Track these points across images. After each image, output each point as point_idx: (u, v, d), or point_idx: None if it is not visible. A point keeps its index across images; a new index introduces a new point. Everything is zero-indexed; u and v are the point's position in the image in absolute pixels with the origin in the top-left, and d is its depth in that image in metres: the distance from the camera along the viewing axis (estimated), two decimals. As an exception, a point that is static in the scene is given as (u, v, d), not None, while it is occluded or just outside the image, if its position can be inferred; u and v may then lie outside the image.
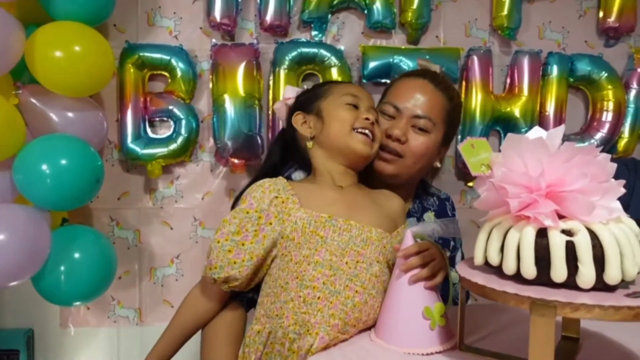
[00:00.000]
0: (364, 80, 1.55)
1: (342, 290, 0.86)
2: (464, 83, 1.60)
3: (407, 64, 1.52)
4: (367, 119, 1.00)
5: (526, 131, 1.55)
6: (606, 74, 1.62)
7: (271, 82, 1.51)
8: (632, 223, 0.66)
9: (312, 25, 1.55)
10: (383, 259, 0.91)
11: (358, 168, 1.04)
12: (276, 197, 0.90)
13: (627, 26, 1.65)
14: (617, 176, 1.51)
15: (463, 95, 1.60)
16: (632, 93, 1.66)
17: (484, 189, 0.70)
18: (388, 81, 1.55)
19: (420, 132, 1.08)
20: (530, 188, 0.65)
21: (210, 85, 1.50)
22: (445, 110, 1.11)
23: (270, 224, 0.89)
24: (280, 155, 1.12)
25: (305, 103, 1.09)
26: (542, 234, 0.63)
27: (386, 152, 1.07)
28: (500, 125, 1.62)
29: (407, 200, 1.15)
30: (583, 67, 1.62)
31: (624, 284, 0.63)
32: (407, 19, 1.55)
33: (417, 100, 1.09)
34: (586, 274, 0.60)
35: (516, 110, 1.60)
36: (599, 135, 1.63)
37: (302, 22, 1.55)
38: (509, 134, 0.69)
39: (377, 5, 1.54)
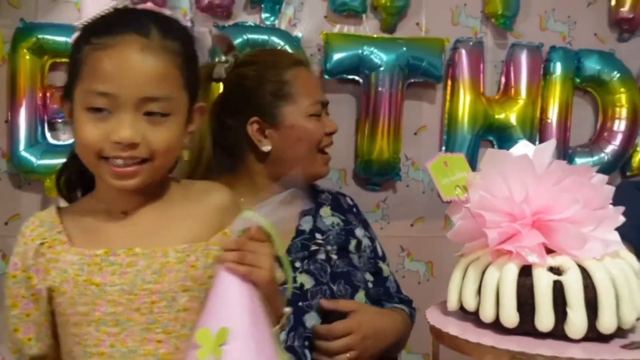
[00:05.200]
0: (326, 76, 1.58)
1: (139, 346, 0.80)
2: (449, 82, 1.65)
3: (379, 56, 1.55)
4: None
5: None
6: (619, 75, 1.71)
7: (207, 76, 1.52)
8: (632, 258, 0.70)
9: (263, 6, 1.57)
10: (194, 282, 0.84)
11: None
12: (42, 243, 0.84)
13: (644, 17, 1.75)
14: (630, 199, 1.60)
15: (448, 97, 1.66)
16: (650, 98, 1.75)
17: (458, 216, 0.73)
18: (356, 77, 1.61)
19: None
20: (513, 216, 0.68)
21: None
22: None
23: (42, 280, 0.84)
24: None
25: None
26: (526, 272, 0.66)
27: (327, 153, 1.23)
28: (494, 135, 1.67)
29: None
30: (592, 66, 1.70)
31: (620, 332, 0.66)
32: (380, 1, 1.60)
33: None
34: (576, 322, 0.63)
35: (512, 116, 1.66)
36: (610, 148, 1.71)
37: (250, 1, 1.57)
38: (489, 149, 0.72)
39: (344, -16, 1.58)
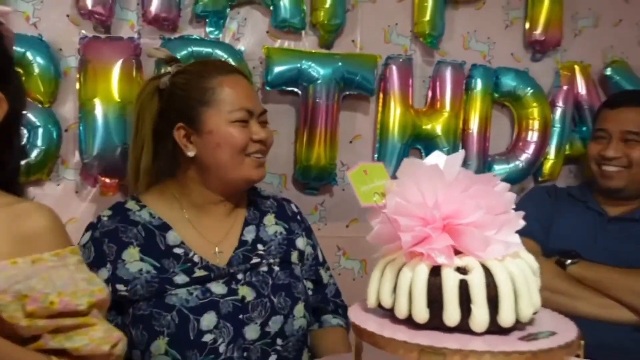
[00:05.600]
0: (268, 88, 1.57)
1: None
2: (381, 95, 1.68)
3: (317, 70, 1.56)
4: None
5: (448, 150, 1.70)
6: (532, 91, 1.77)
7: (156, 86, 1.49)
8: (531, 258, 0.72)
9: (207, 20, 1.55)
10: None
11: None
12: None
13: (554, 40, 1.82)
14: (537, 203, 1.65)
15: (380, 109, 1.68)
16: (558, 112, 1.82)
17: (377, 221, 0.74)
18: (296, 89, 1.60)
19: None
20: (426, 220, 0.70)
21: (77, 87, 1.44)
22: None
23: None
24: None
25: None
26: (436, 272, 0.67)
27: (261, 158, 1.19)
28: (421, 144, 1.70)
29: (234, 210, 1.23)
30: (508, 82, 1.76)
31: (519, 325, 0.68)
32: (318, 19, 1.60)
33: (256, 98, 1.25)
34: (479, 317, 0.65)
35: (438, 127, 1.70)
36: (524, 156, 1.77)
37: (196, 16, 1.55)
38: (405, 159, 0.73)
39: (284, 2, 1.57)
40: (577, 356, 0.67)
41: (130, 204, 1.18)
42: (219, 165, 1.14)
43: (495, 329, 0.66)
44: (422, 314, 0.67)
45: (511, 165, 1.78)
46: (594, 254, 1.49)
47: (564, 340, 0.64)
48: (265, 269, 1.17)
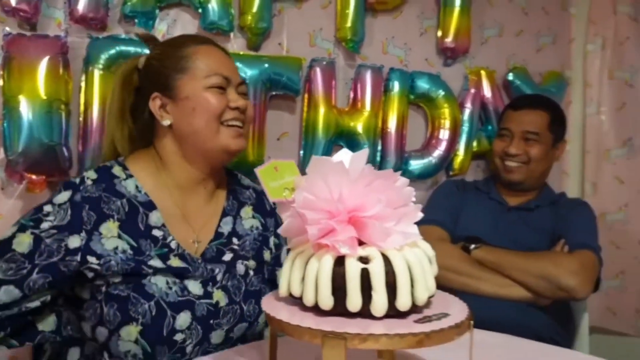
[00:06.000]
0: (197, 87, 1.53)
1: None
2: (306, 95, 1.67)
3: (244, 71, 1.53)
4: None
5: (368, 147, 1.72)
6: (443, 93, 1.82)
7: (83, 84, 1.41)
8: (428, 247, 0.74)
9: (136, 20, 1.48)
10: None
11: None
12: None
13: (463, 47, 1.88)
14: (447, 195, 1.70)
15: (305, 108, 1.67)
16: (467, 112, 1.89)
17: (287, 214, 0.73)
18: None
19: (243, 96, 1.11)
20: (332, 214, 0.69)
21: (1, 84, 1.34)
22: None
23: None
24: None
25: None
26: (340, 262, 0.67)
27: (237, 126, 1.07)
28: (344, 141, 1.71)
29: (214, 196, 1.13)
30: (422, 85, 1.80)
31: (417, 309, 0.69)
32: (246, 22, 1.57)
33: (233, 65, 1.12)
34: (379, 302, 0.66)
35: (359, 125, 1.71)
36: (436, 153, 1.82)
37: (124, 16, 1.48)
38: (314, 156, 0.72)
39: (213, 5, 1.52)
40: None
41: (117, 170, 1.06)
42: (196, 132, 1.04)
43: (394, 313, 0.67)
44: (326, 301, 0.66)
45: (425, 160, 1.82)
46: (496, 239, 1.55)
47: (454, 321, 0.66)
48: (242, 272, 1.08)
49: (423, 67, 1.86)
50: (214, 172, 1.11)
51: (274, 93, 1.62)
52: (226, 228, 1.11)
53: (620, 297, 2.02)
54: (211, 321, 1.01)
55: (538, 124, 1.63)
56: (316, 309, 0.68)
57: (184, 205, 1.08)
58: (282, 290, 0.73)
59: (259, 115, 1.57)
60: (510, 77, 1.98)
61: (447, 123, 1.82)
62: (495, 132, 1.90)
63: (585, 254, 1.44)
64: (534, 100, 1.71)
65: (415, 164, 1.81)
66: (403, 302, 0.66)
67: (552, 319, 1.49)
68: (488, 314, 1.41)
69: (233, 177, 1.20)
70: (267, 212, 1.18)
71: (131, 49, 1.43)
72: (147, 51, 1.44)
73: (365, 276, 0.66)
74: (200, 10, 1.54)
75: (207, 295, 1.02)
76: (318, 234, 0.68)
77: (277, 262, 1.17)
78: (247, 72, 1.53)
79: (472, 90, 1.90)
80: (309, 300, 0.68)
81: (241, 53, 1.59)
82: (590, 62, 2.11)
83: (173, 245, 1.03)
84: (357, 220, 0.70)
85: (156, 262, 1.00)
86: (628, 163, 2.00)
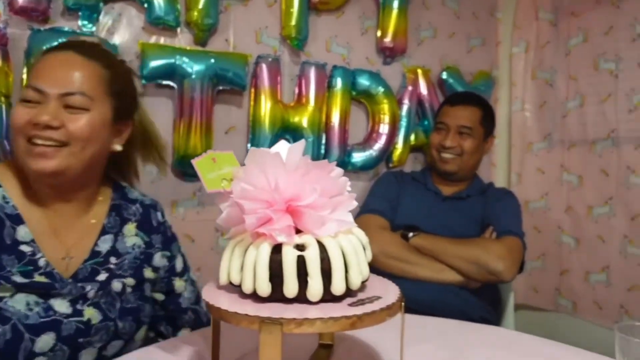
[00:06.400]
0: (144, 81, 1.47)
1: None
2: (253, 90, 1.64)
3: (191, 66, 1.48)
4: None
5: (313, 140, 1.71)
6: (383, 90, 1.83)
7: (24, 76, 1.32)
8: (361, 234, 0.73)
9: (80, 13, 1.40)
10: None
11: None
12: None
13: (400, 47, 1.90)
14: (386, 186, 1.71)
15: (252, 103, 1.64)
16: (405, 108, 1.91)
17: (226, 205, 0.70)
18: (170, 83, 1.51)
19: (78, 112, 0.91)
20: (269, 203, 0.67)
21: (-64, 75, 1.24)
22: (105, 81, 0.96)
23: None
24: None
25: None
26: (277, 250, 0.66)
27: (41, 145, 0.89)
28: (290, 134, 1.69)
29: (91, 212, 1.00)
30: (364, 82, 1.81)
31: (352, 292, 0.69)
32: (192, 18, 1.52)
33: (63, 76, 0.91)
34: (314, 287, 0.64)
35: (304, 119, 1.69)
36: (377, 146, 1.83)
37: (67, 8, 1.39)
38: (252, 148, 0.70)
39: (159, 0, 1.47)
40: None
41: None
42: (14, 149, 0.91)
43: (329, 297, 0.66)
44: (264, 288, 0.65)
45: (367, 153, 1.83)
46: (432, 226, 1.58)
47: (385, 303, 0.66)
48: (118, 289, 0.96)
49: (364, 65, 1.86)
50: (63, 189, 0.95)
51: (220, 88, 1.58)
52: (104, 246, 0.98)
53: (541, 276, 2.11)
54: (80, 340, 0.90)
55: (472, 119, 1.67)
56: (255, 296, 0.66)
57: (54, 220, 0.95)
58: (222, 278, 0.70)
59: (205, 110, 1.52)
60: (444, 75, 2.02)
61: (386, 118, 1.84)
62: (431, 126, 1.93)
63: (511, 240, 1.49)
64: (469, 98, 1.74)
65: (358, 157, 1.81)
66: (337, 287, 0.65)
67: (482, 299, 1.53)
68: (425, 297, 1.45)
69: (119, 190, 1.06)
70: (153, 227, 1.05)
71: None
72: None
73: (301, 263, 0.65)
74: (146, 5, 1.48)
75: (77, 313, 0.91)
76: (256, 223, 0.66)
77: (172, 272, 1.07)
78: (194, 67, 1.49)
79: (410, 88, 1.93)
80: (247, 288, 0.66)
81: (188, 48, 1.54)
82: (515, 63, 2.18)
83: (41, 262, 0.91)
84: (294, 209, 0.68)
85: (17, 278, 0.87)
86: (548, 156, 2.09)
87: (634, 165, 1.78)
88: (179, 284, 1.09)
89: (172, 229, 1.11)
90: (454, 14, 2.09)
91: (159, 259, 1.05)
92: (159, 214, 1.09)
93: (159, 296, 1.07)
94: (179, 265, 1.10)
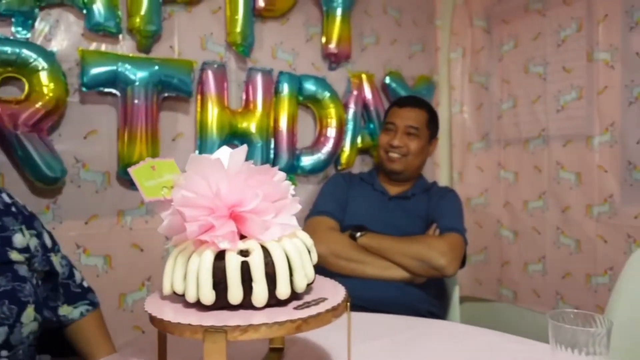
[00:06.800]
0: (84, 89, 1.40)
1: None
2: (199, 97, 1.60)
3: (134, 73, 1.42)
4: None
5: (262, 145, 1.68)
6: (329, 95, 1.83)
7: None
8: (306, 237, 0.72)
9: (13, 20, 1.32)
10: None
11: None
12: None
13: (345, 53, 1.91)
14: (335, 187, 1.71)
15: (199, 110, 1.60)
16: (350, 112, 1.92)
17: (167, 213, 0.67)
18: (113, 90, 1.45)
19: None
20: (212, 210, 0.65)
21: None
22: None
23: None
24: None
25: None
26: (221, 256, 0.64)
27: None
28: (238, 140, 1.66)
29: None
30: (310, 87, 1.80)
31: (297, 296, 0.67)
32: (134, 25, 1.46)
33: None
34: (259, 293, 0.63)
35: (252, 125, 1.67)
36: (325, 149, 1.83)
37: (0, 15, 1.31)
38: (192, 154, 0.67)
39: (98, 6, 1.40)
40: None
41: None
42: None
43: (275, 302, 0.64)
44: (208, 296, 0.62)
45: (315, 157, 1.82)
46: (379, 225, 1.59)
47: (331, 305, 0.65)
48: None
49: (310, 70, 1.86)
50: None
51: (166, 95, 1.53)
52: None
53: (484, 269, 2.17)
54: None
55: (419, 120, 1.70)
56: (199, 305, 0.64)
57: None
58: (166, 288, 0.67)
59: (150, 117, 1.47)
60: (387, 80, 2.05)
61: (333, 122, 1.84)
62: (376, 129, 1.96)
63: (453, 236, 1.52)
64: (416, 101, 1.78)
65: (307, 160, 1.81)
66: (282, 291, 0.64)
67: (428, 294, 1.56)
68: (373, 295, 1.46)
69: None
70: (2, 211, 0.97)
71: (8, 48, 1.27)
72: (26, 51, 1.30)
73: (245, 268, 0.63)
74: (84, 11, 1.41)
75: None
76: (198, 230, 0.64)
77: (45, 249, 1.03)
78: (137, 74, 1.43)
79: (355, 92, 1.94)
80: (191, 297, 0.63)
81: (131, 55, 1.48)
82: (453, 68, 2.24)
83: None
84: (237, 215, 0.66)
85: None
86: (486, 154, 2.16)
87: (563, 161, 1.87)
88: (55, 260, 1.06)
89: (28, 207, 1.05)
90: (395, 22, 2.12)
91: (21, 239, 0.97)
92: (4, 195, 1.01)
93: (41, 274, 1.01)
94: (47, 241, 1.05)
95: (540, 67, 1.94)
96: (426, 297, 1.54)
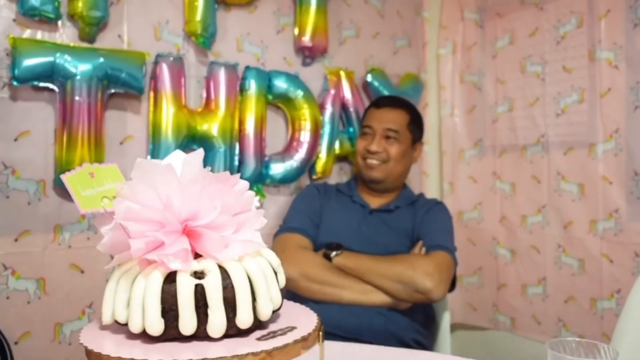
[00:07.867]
0: (15, 83, 1.36)
1: None
2: (152, 94, 1.58)
3: (75, 65, 1.40)
4: None
5: (225, 150, 1.67)
6: (302, 93, 1.83)
7: None
8: (272, 255, 0.71)
9: None
10: None
11: None
12: None
13: (321, 47, 1.92)
14: (308, 200, 1.71)
15: (152, 108, 1.58)
16: (327, 114, 1.92)
17: (108, 227, 0.65)
18: (50, 85, 1.42)
19: None
20: (162, 224, 0.64)
21: None
22: None
23: None
24: None
25: None
26: (172, 279, 0.62)
27: None
28: (197, 144, 1.64)
29: None
30: (281, 85, 1.80)
31: (261, 324, 0.66)
32: (76, 10, 1.44)
33: None
34: (216, 321, 0.61)
35: (214, 127, 1.65)
36: (298, 156, 1.83)
37: None
38: (138, 159, 0.66)
39: (34, -13, 1.38)
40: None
41: None
42: None
43: (234, 332, 0.63)
44: (155, 325, 0.61)
45: (287, 164, 1.82)
46: (359, 242, 1.59)
47: (300, 334, 0.64)
48: None
49: (281, 66, 1.86)
50: None
51: (113, 91, 1.50)
52: None
53: (478, 292, 2.19)
54: None
55: (398, 122, 1.71)
56: (145, 336, 0.62)
57: None
58: (106, 317, 0.65)
59: (94, 116, 1.44)
60: (369, 78, 2.06)
61: (307, 125, 1.84)
62: (356, 133, 1.96)
63: (441, 255, 1.53)
64: (396, 100, 1.79)
65: (277, 168, 1.80)
66: (244, 319, 0.63)
67: (414, 321, 1.56)
68: (351, 322, 1.45)
69: None
70: None
71: None
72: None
73: (200, 293, 0.62)
74: (17, -7, 1.38)
75: None
76: (144, 248, 0.62)
77: None
78: (78, 67, 1.40)
79: (332, 91, 1.95)
80: (135, 327, 0.62)
81: (71, 45, 1.45)
82: (442, 66, 2.27)
83: None
84: (191, 231, 0.65)
85: None
86: (479, 163, 2.19)
87: (564, 171, 1.91)
88: None
89: None
90: (377, 13, 2.14)
91: None
92: None
93: None
94: None
95: (538, 66, 1.98)
96: (412, 324, 1.54)
